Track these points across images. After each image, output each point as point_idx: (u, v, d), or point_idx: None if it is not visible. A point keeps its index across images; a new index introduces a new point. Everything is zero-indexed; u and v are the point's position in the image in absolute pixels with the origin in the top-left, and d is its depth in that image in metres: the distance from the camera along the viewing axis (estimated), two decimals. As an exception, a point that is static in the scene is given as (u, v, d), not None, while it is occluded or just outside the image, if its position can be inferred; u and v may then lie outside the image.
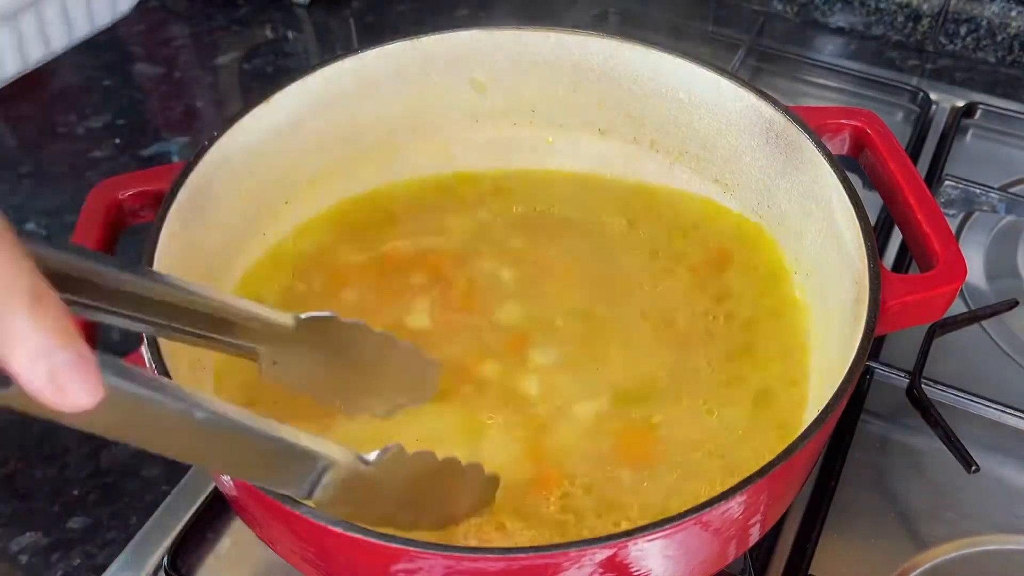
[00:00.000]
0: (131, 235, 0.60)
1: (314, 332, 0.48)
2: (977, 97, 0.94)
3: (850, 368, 0.48)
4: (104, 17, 0.91)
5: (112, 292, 0.39)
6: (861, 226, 0.54)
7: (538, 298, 0.64)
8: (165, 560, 0.57)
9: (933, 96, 0.93)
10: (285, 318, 0.47)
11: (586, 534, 0.52)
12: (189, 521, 0.59)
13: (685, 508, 0.42)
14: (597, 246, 0.67)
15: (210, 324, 0.44)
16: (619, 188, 0.71)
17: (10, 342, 0.27)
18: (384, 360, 0.54)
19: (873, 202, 0.62)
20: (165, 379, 0.41)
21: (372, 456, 0.43)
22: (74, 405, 0.28)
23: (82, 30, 0.88)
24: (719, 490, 0.43)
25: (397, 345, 0.54)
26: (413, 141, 0.71)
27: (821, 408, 0.47)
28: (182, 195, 0.56)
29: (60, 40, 0.87)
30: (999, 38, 0.97)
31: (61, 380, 0.28)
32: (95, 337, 0.48)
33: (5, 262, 0.27)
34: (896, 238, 0.78)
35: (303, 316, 0.48)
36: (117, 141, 0.89)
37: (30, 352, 0.27)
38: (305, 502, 0.42)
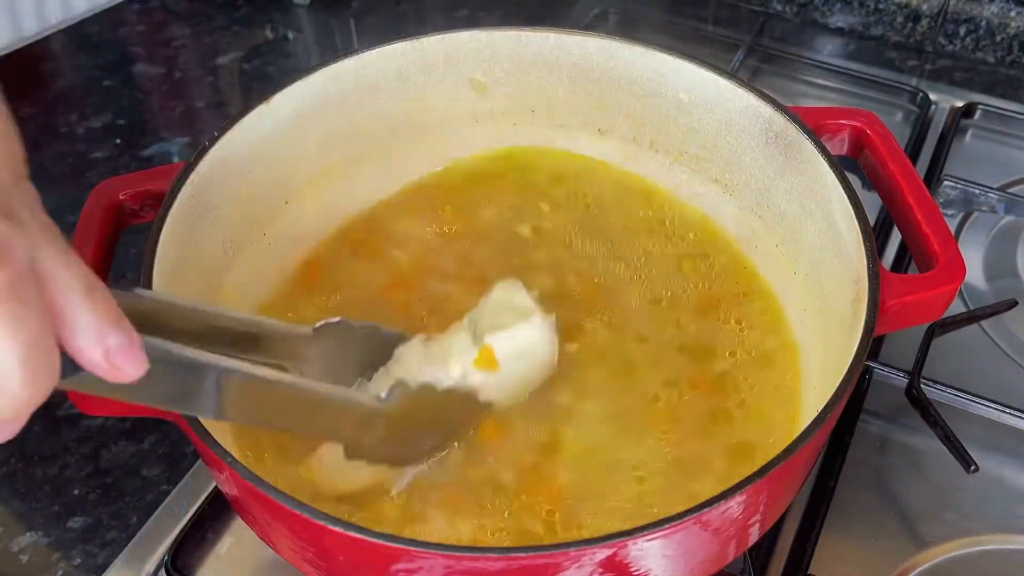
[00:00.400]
0: (131, 235, 0.60)
1: (329, 337, 0.52)
2: (976, 97, 0.94)
3: (849, 368, 0.48)
4: None
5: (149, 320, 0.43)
6: (860, 226, 0.54)
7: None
8: (165, 560, 0.57)
9: (932, 96, 0.93)
10: (303, 329, 0.50)
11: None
12: (189, 521, 0.59)
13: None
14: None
15: (239, 344, 0.48)
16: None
17: (72, 329, 0.32)
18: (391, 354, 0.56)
19: (873, 202, 0.62)
20: None
21: (384, 394, 0.48)
22: (124, 378, 0.34)
23: (80, 6, 0.82)
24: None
25: (406, 340, 0.56)
26: (413, 141, 0.71)
27: (821, 408, 0.47)
28: (182, 195, 0.56)
29: (56, 12, 0.80)
30: (998, 38, 0.97)
31: (114, 359, 0.33)
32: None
33: (61, 262, 0.32)
34: (896, 238, 0.78)
35: (318, 324, 0.51)
36: (117, 141, 0.89)
37: (89, 337, 0.32)
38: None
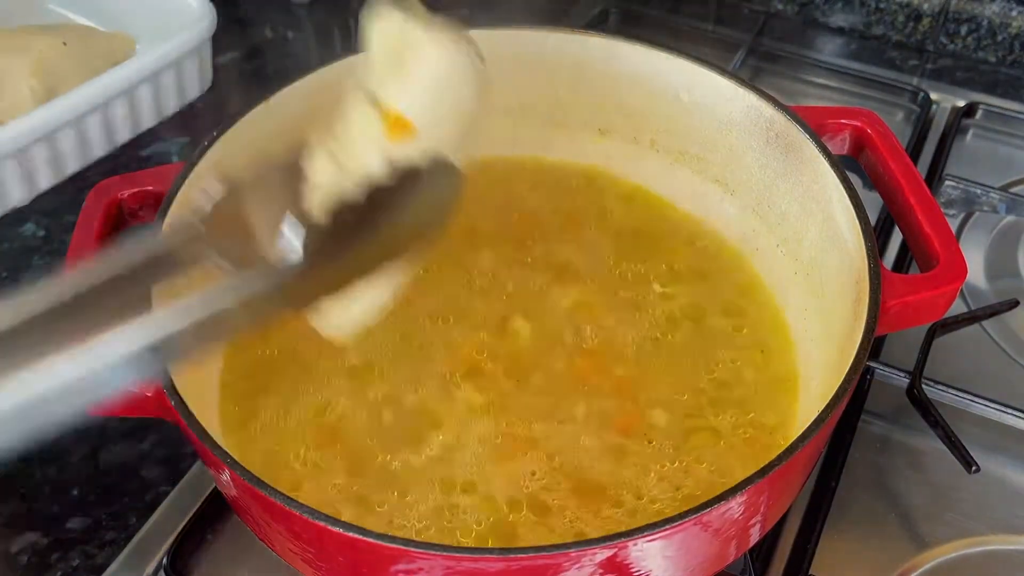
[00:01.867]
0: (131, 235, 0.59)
1: (234, 205, 0.43)
2: (977, 97, 0.94)
3: (850, 368, 0.48)
4: (150, 120, 0.86)
5: None
6: (861, 226, 0.54)
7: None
8: (165, 560, 0.57)
9: (933, 96, 0.93)
10: (194, 224, 0.42)
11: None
12: (189, 521, 0.59)
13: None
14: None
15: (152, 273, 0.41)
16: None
17: None
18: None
19: (873, 202, 0.62)
20: None
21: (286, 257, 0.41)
22: None
23: (97, 150, 0.82)
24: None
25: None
26: (413, 141, 0.70)
27: (821, 408, 0.47)
28: (182, 195, 0.56)
29: (73, 164, 0.81)
30: (1000, 38, 0.97)
31: None
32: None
33: None
34: (896, 238, 0.78)
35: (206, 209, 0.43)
36: (117, 141, 0.89)
37: None
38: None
